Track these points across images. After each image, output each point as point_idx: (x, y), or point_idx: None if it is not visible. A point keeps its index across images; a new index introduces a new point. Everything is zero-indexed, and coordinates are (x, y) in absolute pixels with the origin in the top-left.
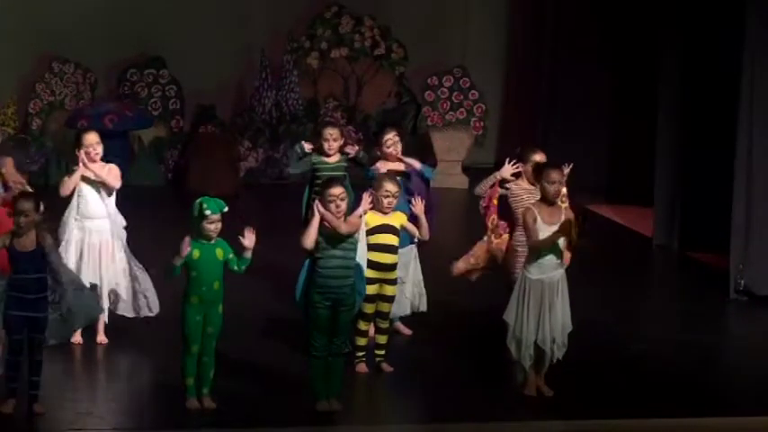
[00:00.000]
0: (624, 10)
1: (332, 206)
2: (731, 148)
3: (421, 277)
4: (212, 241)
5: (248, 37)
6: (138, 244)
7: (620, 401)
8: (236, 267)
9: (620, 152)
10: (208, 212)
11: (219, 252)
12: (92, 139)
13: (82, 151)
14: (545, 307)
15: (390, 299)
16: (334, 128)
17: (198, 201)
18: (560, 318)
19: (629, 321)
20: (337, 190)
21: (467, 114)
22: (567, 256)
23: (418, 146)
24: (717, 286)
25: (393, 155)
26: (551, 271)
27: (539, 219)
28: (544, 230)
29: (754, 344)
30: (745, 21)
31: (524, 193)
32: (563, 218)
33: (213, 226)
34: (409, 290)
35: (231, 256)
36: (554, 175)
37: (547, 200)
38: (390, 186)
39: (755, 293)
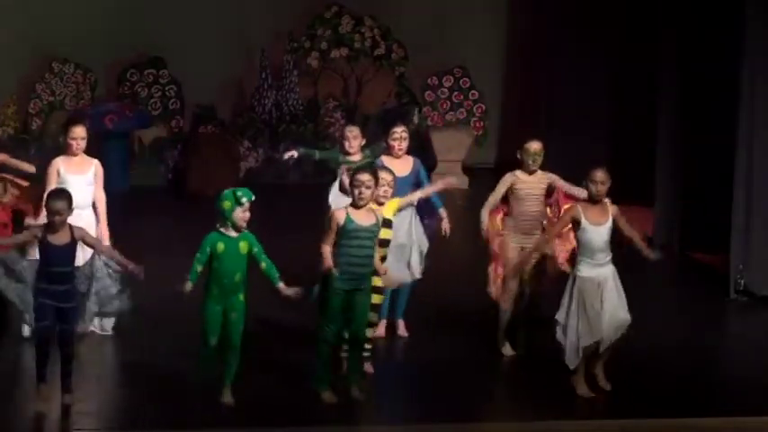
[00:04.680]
0: (624, 10)
1: (356, 191)
2: (731, 148)
3: (425, 240)
4: (237, 234)
5: (248, 37)
6: (137, 244)
7: (620, 401)
8: (263, 264)
9: (621, 152)
10: (244, 200)
11: (243, 245)
12: (79, 132)
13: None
14: (600, 305)
15: (380, 290)
16: (354, 126)
17: (227, 191)
18: (616, 310)
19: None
20: (365, 176)
21: (467, 114)
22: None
23: (418, 146)
24: (717, 286)
25: (396, 149)
26: (600, 268)
27: (583, 219)
28: (591, 231)
29: (754, 344)
30: (745, 21)
31: (524, 186)
32: (610, 215)
33: (246, 214)
34: (416, 257)
35: (256, 249)
36: (599, 174)
37: (592, 199)
38: (384, 174)
39: (755, 293)
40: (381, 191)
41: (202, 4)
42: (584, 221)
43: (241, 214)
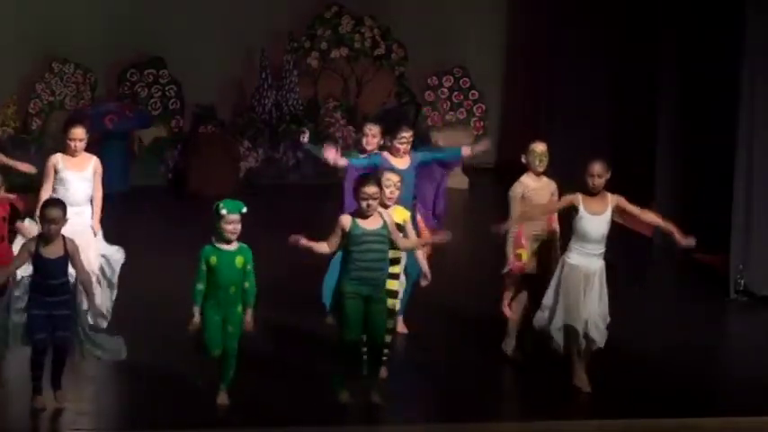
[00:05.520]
0: (624, 10)
1: (363, 203)
2: (731, 148)
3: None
4: (233, 246)
5: (248, 37)
6: (137, 244)
7: (621, 401)
8: (246, 284)
9: (621, 152)
10: (224, 212)
11: (240, 260)
12: (78, 134)
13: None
14: (582, 297)
15: (394, 294)
16: (375, 124)
17: (217, 203)
18: (599, 307)
19: (629, 321)
20: (372, 189)
21: (467, 114)
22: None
23: (418, 146)
24: (717, 286)
25: (402, 152)
26: (591, 259)
27: (581, 207)
28: (588, 219)
29: (754, 344)
30: (745, 21)
31: (532, 191)
32: (609, 206)
33: (231, 227)
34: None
35: (249, 267)
36: (596, 167)
37: (590, 192)
38: (390, 175)
39: (755, 293)
40: (387, 192)
41: (202, 4)
42: (581, 209)
43: (224, 226)
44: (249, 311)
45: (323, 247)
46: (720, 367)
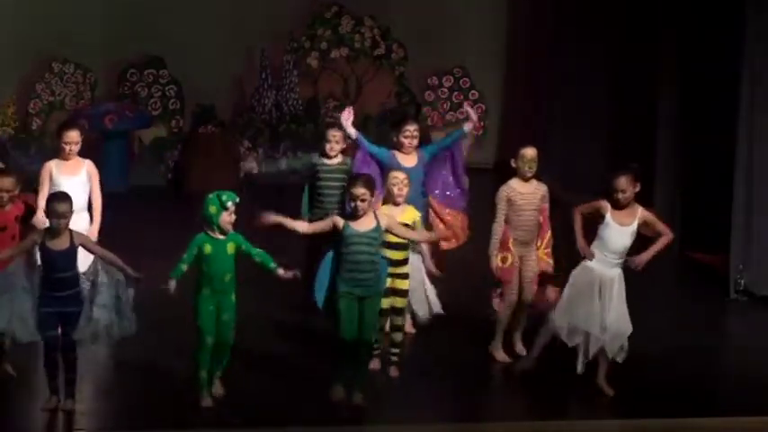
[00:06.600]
0: (624, 10)
1: (351, 205)
2: (731, 148)
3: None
4: (225, 236)
5: (248, 37)
6: (137, 244)
7: (620, 401)
8: (256, 258)
9: (620, 152)
10: (229, 204)
11: (231, 246)
12: (73, 137)
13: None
14: (596, 301)
15: (404, 293)
16: (337, 130)
17: (212, 195)
18: (616, 318)
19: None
20: (359, 191)
21: (467, 114)
22: (644, 257)
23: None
24: (717, 286)
25: (407, 146)
26: (609, 267)
27: (609, 218)
28: (614, 229)
29: (754, 344)
30: (745, 21)
31: (520, 196)
32: (636, 220)
33: (231, 217)
34: (432, 293)
35: (245, 246)
36: (621, 182)
37: (617, 206)
38: (397, 173)
39: (755, 293)
40: (395, 190)
41: (202, 4)
42: (608, 217)
43: (227, 218)
44: (280, 270)
45: (299, 225)
46: (720, 367)
